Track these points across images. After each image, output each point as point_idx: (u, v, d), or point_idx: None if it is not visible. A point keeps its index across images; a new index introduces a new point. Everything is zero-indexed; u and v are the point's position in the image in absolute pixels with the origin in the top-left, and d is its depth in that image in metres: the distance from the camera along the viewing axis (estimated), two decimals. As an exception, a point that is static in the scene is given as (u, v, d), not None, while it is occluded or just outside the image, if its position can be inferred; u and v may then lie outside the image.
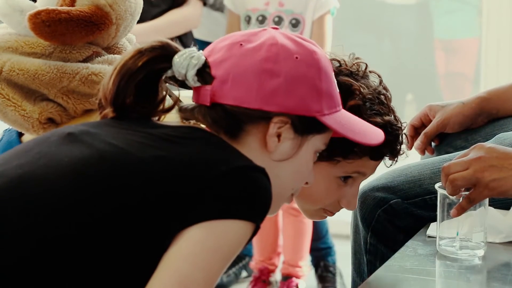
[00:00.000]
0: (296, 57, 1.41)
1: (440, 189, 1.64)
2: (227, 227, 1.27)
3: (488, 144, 1.65)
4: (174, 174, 1.28)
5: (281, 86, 1.39)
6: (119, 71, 1.38)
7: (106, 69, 1.78)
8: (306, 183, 1.50)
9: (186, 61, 1.39)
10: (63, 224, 1.24)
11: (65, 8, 1.79)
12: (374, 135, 1.52)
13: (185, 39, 3.21)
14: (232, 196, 1.28)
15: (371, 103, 1.66)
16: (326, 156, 1.63)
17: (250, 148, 1.41)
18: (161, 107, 1.41)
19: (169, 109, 1.42)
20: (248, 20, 3.26)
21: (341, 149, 1.63)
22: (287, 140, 1.42)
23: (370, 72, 1.73)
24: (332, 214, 1.76)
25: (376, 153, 1.67)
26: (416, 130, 2.08)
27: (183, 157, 1.30)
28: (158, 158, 1.29)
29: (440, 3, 4.75)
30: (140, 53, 1.38)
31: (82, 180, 1.27)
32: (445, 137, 2.07)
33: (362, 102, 1.60)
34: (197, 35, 3.37)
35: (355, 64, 1.72)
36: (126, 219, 1.25)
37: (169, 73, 1.40)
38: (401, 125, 1.72)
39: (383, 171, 1.92)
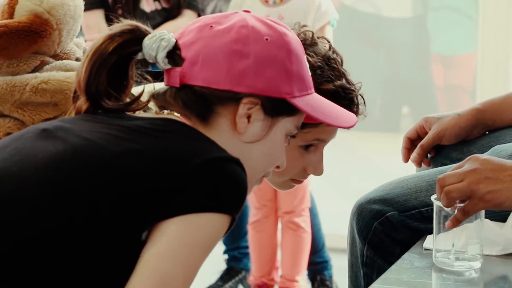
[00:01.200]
0: (266, 39, 1.41)
1: (435, 201, 1.63)
2: (203, 221, 1.27)
3: (483, 156, 1.64)
4: (149, 168, 1.28)
5: (251, 67, 1.40)
6: (91, 57, 1.38)
7: (55, 75, 1.78)
8: (278, 167, 1.51)
9: (156, 43, 1.39)
10: (40, 220, 1.24)
11: (2, 21, 1.79)
12: (346, 118, 1.53)
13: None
14: (207, 189, 1.28)
15: (321, 70, 1.67)
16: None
17: (221, 130, 1.41)
18: (135, 104, 1.41)
19: (144, 105, 1.42)
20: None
21: None
22: (257, 122, 1.42)
23: (318, 38, 1.74)
24: (300, 182, 1.77)
25: None
26: (412, 142, 2.08)
27: (158, 150, 1.31)
28: (133, 152, 1.30)
29: (437, 16, 4.76)
30: (110, 38, 1.39)
31: (57, 176, 1.28)
32: (441, 149, 2.07)
33: (312, 71, 1.58)
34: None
35: (302, 33, 1.72)
36: (102, 214, 1.25)
37: (139, 55, 1.41)
38: (355, 87, 1.73)
39: (380, 183, 1.92)
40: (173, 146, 1.32)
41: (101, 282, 1.26)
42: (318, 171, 1.74)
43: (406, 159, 2.07)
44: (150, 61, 1.41)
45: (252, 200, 3.59)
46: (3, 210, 1.26)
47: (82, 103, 1.40)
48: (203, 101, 1.41)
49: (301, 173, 1.74)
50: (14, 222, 1.25)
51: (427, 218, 1.78)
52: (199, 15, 3.30)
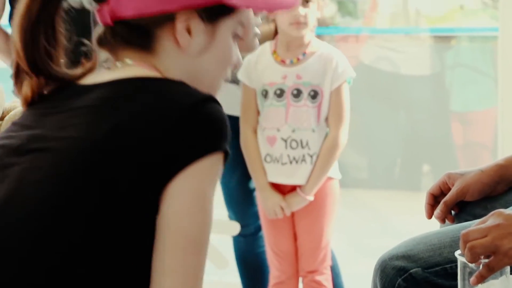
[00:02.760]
0: None
1: (460, 257, 1.61)
2: (206, 166, 1.30)
3: (507, 211, 1.63)
4: (135, 140, 1.29)
5: None
6: (21, 25, 1.38)
7: None
8: (236, 66, 1.51)
9: None
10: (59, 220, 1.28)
11: None
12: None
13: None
14: (197, 135, 1.30)
15: None
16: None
17: (168, 52, 1.41)
18: (81, 70, 1.41)
19: (91, 68, 1.43)
20: (265, 94, 3.26)
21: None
22: (198, 33, 1.41)
23: None
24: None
25: None
26: (436, 198, 2.07)
27: (135, 118, 1.31)
28: (114, 130, 1.30)
29: (455, 74, 4.77)
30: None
31: (58, 183, 1.29)
32: (465, 205, 2.05)
33: None
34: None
35: None
36: (118, 197, 1.27)
37: (65, 5, 1.40)
38: None
39: (403, 239, 1.90)
40: (145, 107, 1.32)
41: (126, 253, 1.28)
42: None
43: (430, 216, 2.06)
44: (78, 6, 1.41)
45: (272, 261, 3.57)
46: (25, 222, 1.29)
47: (29, 84, 1.40)
48: (140, 31, 1.40)
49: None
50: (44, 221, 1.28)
51: (452, 275, 1.76)
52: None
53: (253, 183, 3.37)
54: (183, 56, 1.42)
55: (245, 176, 3.40)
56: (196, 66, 1.43)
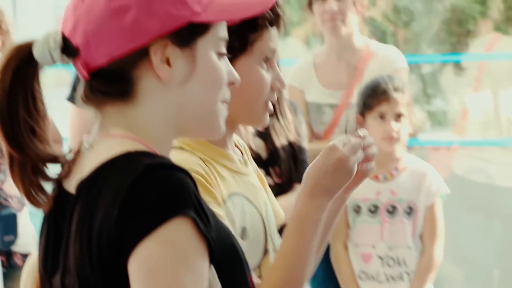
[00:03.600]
0: None
1: None
2: (164, 234, 1.18)
3: None
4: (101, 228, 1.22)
5: (139, 15, 1.29)
6: (6, 96, 1.30)
7: None
8: (233, 84, 1.41)
9: (45, 48, 1.31)
10: None
11: None
12: (259, 1, 1.43)
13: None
14: (149, 204, 1.19)
15: None
16: (239, 49, 1.63)
17: (151, 93, 1.32)
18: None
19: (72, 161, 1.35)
20: (358, 210, 3.25)
21: (240, 36, 1.64)
22: (177, 60, 1.32)
23: None
24: (271, 104, 1.71)
25: (269, 19, 1.66)
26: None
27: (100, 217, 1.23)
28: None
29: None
30: (2, 72, 1.31)
31: None
32: None
33: None
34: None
35: None
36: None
37: (40, 68, 1.33)
38: None
39: None
40: (106, 196, 1.24)
41: None
42: (282, 83, 1.71)
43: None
44: (51, 65, 1.33)
45: None
46: None
47: (23, 176, 1.33)
48: (117, 77, 1.32)
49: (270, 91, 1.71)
50: None
51: None
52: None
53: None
54: (168, 90, 1.33)
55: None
56: (185, 97, 1.34)
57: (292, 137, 3.16)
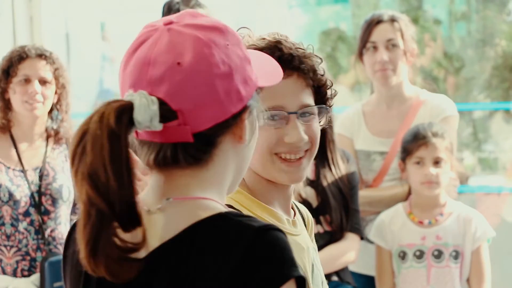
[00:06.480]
0: (227, 44, 1.34)
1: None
2: None
3: None
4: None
5: (237, 81, 1.33)
6: (112, 159, 1.22)
7: None
8: None
9: (147, 113, 1.28)
10: None
11: None
12: (276, 68, 1.48)
13: (342, 274, 3.25)
14: (267, 267, 1.24)
15: None
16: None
17: (225, 155, 1.35)
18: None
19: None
20: (403, 256, 3.26)
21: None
22: (249, 122, 1.38)
23: None
24: (289, 160, 1.72)
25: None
26: None
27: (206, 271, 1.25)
28: None
29: None
30: (115, 130, 1.24)
31: None
32: None
33: None
34: (352, 267, 3.40)
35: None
36: None
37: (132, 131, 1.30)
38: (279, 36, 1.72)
39: None
40: (211, 254, 1.26)
41: None
42: (294, 137, 1.71)
43: None
44: (141, 130, 1.30)
45: None
46: None
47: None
48: (207, 142, 1.33)
49: (281, 144, 1.73)
50: None
51: None
52: (361, 238, 3.32)
53: None
54: (238, 152, 1.38)
55: None
56: (249, 152, 1.40)
57: (343, 186, 3.19)
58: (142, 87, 1.30)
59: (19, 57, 3.31)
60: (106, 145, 1.22)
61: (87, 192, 1.22)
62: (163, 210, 1.32)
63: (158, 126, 1.29)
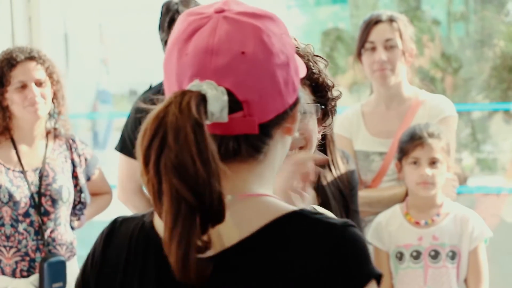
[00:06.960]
0: (282, 34, 1.32)
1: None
2: None
3: None
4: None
5: (292, 71, 1.32)
6: (199, 150, 1.18)
7: None
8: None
9: (218, 103, 1.24)
10: None
11: None
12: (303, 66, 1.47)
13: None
14: (355, 265, 1.25)
15: None
16: None
17: (275, 147, 1.32)
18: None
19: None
20: (400, 256, 3.26)
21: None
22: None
23: None
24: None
25: None
26: None
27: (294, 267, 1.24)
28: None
29: None
30: (199, 120, 1.20)
31: None
32: None
33: None
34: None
35: None
36: None
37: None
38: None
39: None
40: (297, 252, 1.25)
41: None
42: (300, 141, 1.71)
43: None
44: (210, 122, 1.24)
45: None
46: None
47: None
48: (266, 133, 1.30)
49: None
50: None
51: None
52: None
53: None
54: (285, 142, 1.35)
55: None
56: (288, 146, 1.36)
57: (344, 187, 3.19)
58: (207, 77, 1.26)
59: (9, 65, 3.26)
60: (191, 136, 1.18)
61: (175, 186, 1.17)
62: (229, 208, 1.23)
63: (226, 118, 1.24)
